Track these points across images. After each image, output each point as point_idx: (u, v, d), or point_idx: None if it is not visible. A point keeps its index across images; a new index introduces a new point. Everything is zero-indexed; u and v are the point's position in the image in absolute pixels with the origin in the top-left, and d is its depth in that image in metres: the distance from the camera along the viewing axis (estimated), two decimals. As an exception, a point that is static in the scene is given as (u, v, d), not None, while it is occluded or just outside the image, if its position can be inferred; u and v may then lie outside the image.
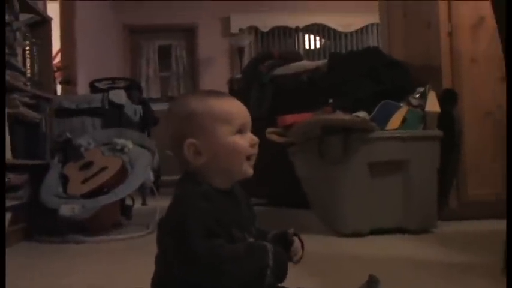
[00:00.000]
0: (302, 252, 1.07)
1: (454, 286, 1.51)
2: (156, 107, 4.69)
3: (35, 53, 3.03)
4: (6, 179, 2.45)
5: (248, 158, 1.03)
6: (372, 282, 1.17)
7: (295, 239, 1.06)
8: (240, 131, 1.02)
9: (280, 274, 0.97)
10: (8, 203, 2.47)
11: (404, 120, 2.45)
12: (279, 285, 1.08)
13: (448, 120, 2.48)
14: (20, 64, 2.82)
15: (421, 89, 2.57)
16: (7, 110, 2.57)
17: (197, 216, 0.93)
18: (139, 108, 3.98)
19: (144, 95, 5.56)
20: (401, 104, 2.51)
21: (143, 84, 6.66)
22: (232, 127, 1.01)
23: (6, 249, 2.28)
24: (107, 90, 3.74)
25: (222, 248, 0.92)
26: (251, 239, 1.03)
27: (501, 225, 1.56)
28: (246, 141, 1.02)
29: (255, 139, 1.03)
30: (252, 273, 0.94)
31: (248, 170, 1.03)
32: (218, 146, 1.00)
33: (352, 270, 1.75)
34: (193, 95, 1.09)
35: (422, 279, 1.59)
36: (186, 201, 0.97)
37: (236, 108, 1.03)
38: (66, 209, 2.54)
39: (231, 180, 1.04)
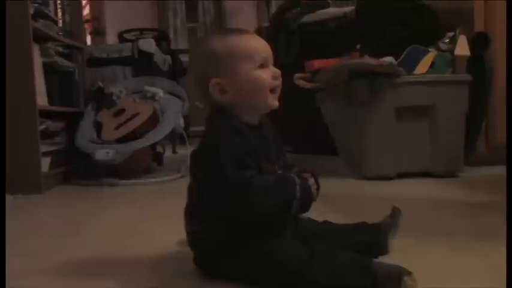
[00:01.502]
0: (318, 192, 1.06)
1: (476, 223, 1.54)
2: (184, 57, 4.72)
3: (65, 3, 3.08)
4: (44, 126, 2.55)
5: (272, 91, 1.06)
6: (395, 213, 1.22)
7: (310, 178, 1.05)
8: (262, 66, 1.05)
9: (305, 206, 1.02)
10: (47, 149, 2.58)
11: (432, 64, 2.43)
12: (307, 217, 1.15)
13: (478, 64, 2.46)
14: (52, 14, 2.87)
15: (451, 33, 2.55)
16: (42, 59, 2.65)
17: (229, 149, 0.98)
18: (168, 58, 4.02)
19: (172, 46, 5.58)
20: (430, 49, 2.49)
21: (171, 36, 6.65)
22: (254, 62, 1.04)
23: (46, 192, 2.42)
24: (135, 40, 3.78)
25: (253, 178, 0.98)
26: (279, 171, 1.09)
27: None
28: (269, 74, 1.05)
29: (277, 71, 1.07)
30: (280, 203, 0.99)
31: (273, 102, 1.07)
32: (242, 82, 1.04)
33: (376, 208, 1.78)
34: (213, 35, 1.13)
35: (445, 217, 1.63)
36: (219, 134, 1.01)
37: (256, 44, 1.06)
38: (101, 154, 2.63)
39: (258, 114, 1.09)
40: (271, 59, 1.07)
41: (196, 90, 1.10)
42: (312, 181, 1.05)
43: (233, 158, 0.98)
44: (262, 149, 1.05)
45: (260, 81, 1.04)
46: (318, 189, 1.06)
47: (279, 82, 1.07)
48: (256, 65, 1.04)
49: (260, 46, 1.06)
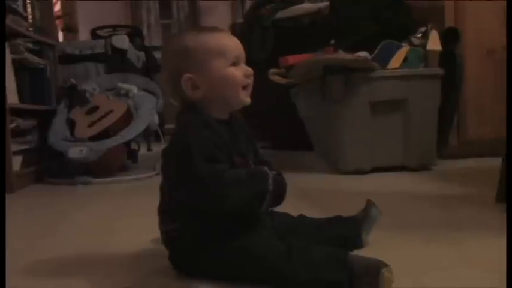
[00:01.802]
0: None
1: (450, 214, 1.56)
2: (158, 54, 4.67)
3: (35, -1, 3.02)
4: (15, 124, 2.50)
5: (244, 88, 1.06)
6: (369, 206, 1.23)
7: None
8: (234, 63, 1.05)
9: (278, 199, 1.02)
10: (18, 147, 2.53)
11: (405, 59, 2.46)
12: (283, 212, 1.14)
13: (449, 58, 2.49)
14: (20, 9, 2.81)
15: (423, 29, 2.57)
16: (11, 56, 2.59)
17: (199, 143, 0.97)
18: (142, 55, 3.98)
19: (146, 43, 5.53)
20: (403, 44, 2.52)
21: (144, 32, 6.59)
22: (226, 59, 1.04)
23: (18, 192, 2.37)
24: (109, 37, 3.73)
25: (224, 172, 0.97)
26: (252, 165, 1.08)
27: (499, 162, 1.62)
28: (241, 72, 1.06)
29: (249, 69, 1.07)
30: (252, 196, 0.99)
31: (245, 98, 1.07)
32: (214, 79, 1.04)
33: (352, 203, 1.79)
34: (187, 32, 1.12)
35: (420, 210, 1.65)
36: (188, 129, 1.01)
37: (229, 41, 1.07)
38: (75, 152, 2.59)
39: (229, 110, 1.09)
40: (243, 57, 1.08)
41: (168, 86, 1.09)
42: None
43: (203, 152, 0.97)
44: (234, 143, 1.05)
45: (232, 78, 1.05)
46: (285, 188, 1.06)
47: (250, 80, 1.07)
48: (228, 62, 1.05)
49: (233, 44, 1.07)
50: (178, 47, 1.06)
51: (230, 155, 1.02)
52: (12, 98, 2.51)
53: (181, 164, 0.98)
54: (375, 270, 0.88)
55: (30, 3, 2.96)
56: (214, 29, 1.09)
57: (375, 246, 1.15)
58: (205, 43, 1.05)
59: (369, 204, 1.22)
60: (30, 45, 2.81)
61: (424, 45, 2.49)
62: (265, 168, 1.02)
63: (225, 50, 1.05)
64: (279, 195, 1.02)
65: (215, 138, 1.00)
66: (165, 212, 1.07)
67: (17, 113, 2.54)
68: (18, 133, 2.57)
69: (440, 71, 2.44)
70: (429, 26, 2.54)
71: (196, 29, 1.13)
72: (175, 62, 1.06)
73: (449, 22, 2.67)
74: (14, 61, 2.60)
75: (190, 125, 1.02)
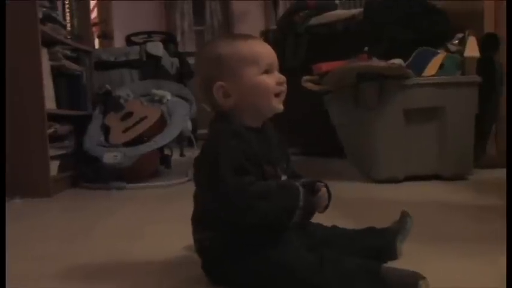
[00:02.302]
0: (328, 203, 1.08)
1: (485, 227, 1.52)
2: (191, 60, 4.72)
3: (74, 7, 3.10)
4: (53, 129, 2.56)
5: (276, 95, 1.06)
6: (404, 217, 1.21)
7: (323, 188, 1.07)
8: (267, 71, 1.05)
9: (307, 216, 1.01)
10: (55, 152, 2.59)
11: (441, 66, 2.42)
12: (316, 222, 1.13)
13: (488, 65, 2.44)
14: (60, 17, 2.88)
15: (460, 35, 2.53)
16: (50, 63, 2.65)
17: (227, 153, 0.97)
18: (175, 61, 4.02)
19: (180, 49, 5.59)
20: (439, 51, 2.48)
21: (178, 38, 6.66)
22: (259, 67, 1.04)
23: (54, 196, 2.42)
24: (143, 44, 3.78)
25: (251, 184, 0.96)
26: (284, 176, 1.08)
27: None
28: (273, 80, 1.05)
29: (282, 77, 1.06)
30: (281, 211, 0.98)
31: (278, 105, 1.07)
32: (246, 87, 1.04)
33: (385, 212, 1.77)
34: (220, 39, 1.12)
35: (454, 221, 1.61)
36: (218, 139, 1.01)
37: (262, 49, 1.06)
38: (109, 157, 2.63)
39: (261, 117, 1.08)
40: (276, 65, 1.07)
41: (201, 93, 1.10)
42: (324, 190, 1.06)
43: (231, 162, 0.97)
44: (264, 152, 1.05)
45: (264, 86, 1.04)
46: (329, 198, 1.07)
47: (283, 87, 1.07)
48: (261, 70, 1.04)
49: (265, 52, 1.06)
50: (211, 55, 1.07)
51: (260, 164, 1.02)
52: (50, 103, 2.57)
53: (210, 174, 0.98)
54: (412, 282, 0.87)
55: (69, 11, 3.03)
56: (247, 37, 1.09)
57: (407, 259, 1.13)
58: (237, 51, 1.05)
59: (404, 215, 1.21)
60: (68, 52, 2.88)
61: (461, 52, 2.44)
62: (297, 183, 1.01)
63: (257, 57, 1.04)
64: (309, 213, 1.01)
65: (244, 148, 0.99)
66: (198, 221, 1.07)
67: (55, 118, 2.60)
68: (56, 138, 2.62)
69: (477, 78, 2.39)
70: (467, 32, 2.49)
71: (229, 37, 1.13)
72: (208, 70, 1.07)
73: (488, 28, 2.62)
74: (52, 68, 2.67)
75: (220, 134, 1.02)
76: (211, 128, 1.06)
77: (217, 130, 1.04)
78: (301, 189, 0.99)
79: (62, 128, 2.70)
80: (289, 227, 1.01)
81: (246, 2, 7.23)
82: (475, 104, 2.39)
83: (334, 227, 1.17)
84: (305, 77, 2.70)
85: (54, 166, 2.56)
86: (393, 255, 1.13)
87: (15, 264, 1.28)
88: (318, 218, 1.10)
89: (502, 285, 0.99)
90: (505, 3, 2.60)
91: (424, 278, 0.87)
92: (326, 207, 1.09)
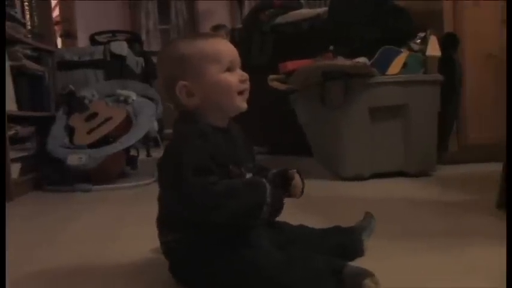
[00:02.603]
0: (303, 187, 1.11)
1: (450, 221, 1.55)
2: (156, 59, 4.67)
3: (34, 5, 3.02)
4: (13, 131, 2.49)
5: (240, 93, 1.05)
6: (368, 218, 1.23)
7: (296, 175, 1.11)
8: (229, 69, 1.04)
9: (275, 212, 0.99)
10: (16, 155, 2.52)
11: (405, 65, 2.45)
12: (284, 221, 1.14)
13: (449, 64, 2.49)
14: (19, 16, 2.81)
15: (422, 34, 2.57)
16: (10, 63, 2.58)
17: (191, 154, 0.96)
18: (140, 60, 3.99)
19: (145, 48, 5.53)
20: (402, 50, 2.51)
21: (143, 38, 6.60)
22: (221, 65, 1.03)
23: (16, 199, 2.36)
24: (107, 43, 3.73)
25: (215, 183, 0.95)
26: (249, 175, 1.07)
27: (499, 167, 1.61)
28: (236, 77, 1.05)
29: (245, 75, 1.06)
30: (248, 209, 0.96)
31: (241, 104, 1.06)
32: (209, 85, 1.03)
33: (353, 210, 1.79)
34: (181, 39, 1.11)
35: (420, 216, 1.64)
36: (182, 139, 1.00)
37: (223, 47, 1.06)
38: (74, 159, 2.59)
39: (226, 116, 1.08)
40: (238, 63, 1.07)
41: (164, 93, 1.08)
42: (297, 177, 1.09)
43: (195, 162, 0.95)
44: (230, 151, 1.04)
45: (227, 84, 1.04)
46: (303, 183, 1.10)
47: (246, 85, 1.06)
48: (223, 68, 1.04)
49: (227, 49, 1.06)
50: (173, 54, 1.06)
51: (225, 164, 1.01)
52: (10, 105, 2.51)
53: (173, 175, 0.97)
54: (359, 280, 0.88)
55: (28, 9, 2.96)
56: (208, 35, 1.09)
57: (375, 255, 1.14)
58: (199, 49, 1.04)
59: (368, 216, 1.23)
60: (29, 52, 2.81)
61: (423, 51, 2.48)
62: (263, 180, 1.00)
63: (219, 55, 1.04)
64: (277, 209, 0.99)
65: (209, 148, 0.98)
66: (163, 223, 1.06)
67: (16, 120, 2.54)
68: (17, 140, 2.56)
69: (439, 77, 2.43)
70: (428, 32, 2.54)
71: (190, 36, 1.12)
72: (170, 69, 1.05)
73: (448, 27, 2.67)
74: (12, 68, 2.60)
75: (184, 134, 1.01)
76: (176, 128, 1.05)
77: (181, 130, 1.03)
78: (267, 185, 0.98)
79: (24, 130, 2.64)
80: (257, 224, 1.01)
81: (211, 1, 7.21)
82: (438, 102, 2.43)
83: (302, 226, 1.17)
84: (271, 76, 2.70)
85: (15, 169, 2.50)
86: (359, 252, 1.15)
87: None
88: (284, 215, 1.10)
89: (467, 276, 1.01)
90: (463, 3, 2.67)
91: (372, 275, 0.89)
92: (302, 192, 1.11)
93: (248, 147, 1.13)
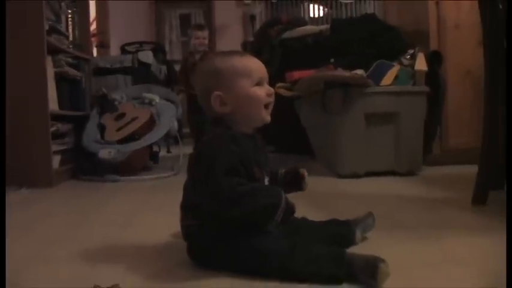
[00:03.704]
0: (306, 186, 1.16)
1: (433, 215, 1.56)
2: (178, 67, 4.68)
3: (75, 20, 3.05)
4: (55, 128, 2.52)
5: (266, 107, 1.06)
6: (367, 215, 1.23)
7: (305, 172, 1.15)
8: (258, 83, 1.05)
9: (286, 216, 0.99)
10: (57, 148, 2.55)
11: (396, 77, 2.45)
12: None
13: (434, 77, 2.48)
14: (63, 29, 2.84)
15: (411, 51, 2.57)
16: (54, 70, 2.61)
17: (224, 156, 0.97)
18: (164, 68, 4.00)
19: (168, 57, 5.54)
20: (394, 64, 2.51)
21: (167, 48, 6.61)
22: (251, 80, 1.04)
23: (56, 186, 2.39)
24: (135, 52, 3.75)
25: (241, 185, 0.96)
26: (267, 177, 1.09)
27: (475, 169, 1.63)
28: (264, 91, 1.05)
29: (271, 90, 1.07)
30: (265, 210, 0.97)
31: (266, 116, 1.06)
32: (240, 96, 1.03)
33: (349, 203, 1.81)
34: (217, 54, 1.11)
35: (407, 210, 1.64)
36: (218, 141, 1.00)
37: (255, 64, 1.06)
38: (104, 153, 2.61)
39: (252, 126, 1.08)
40: (266, 78, 1.07)
41: (200, 101, 1.09)
42: (306, 174, 1.13)
43: (226, 164, 0.96)
44: (255, 156, 1.05)
45: (256, 97, 1.04)
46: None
47: (272, 99, 1.07)
48: (253, 82, 1.04)
49: (257, 66, 1.06)
50: (209, 68, 1.06)
51: (251, 166, 1.02)
52: (53, 105, 2.53)
53: (205, 173, 0.97)
54: (373, 264, 0.88)
55: (71, 23, 2.99)
56: (241, 53, 1.10)
57: (368, 245, 1.15)
58: (232, 64, 1.04)
59: (368, 213, 1.23)
60: (70, 60, 2.84)
61: (412, 66, 2.48)
62: (280, 189, 1.01)
63: (250, 71, 1.04)
64: (288, 212, 0.99)
65: (239, 152, 0.99)
66: (187, 209, 1.06)
67: (57, 118, 2.56)
68: (58, 135, 2.58)
69: (426, 89, 2.43)
70: (417, 49, 2.53)
71: (225, 53, 1.13)
72: (206, 81, 1.06)
73: (433, 46, 2.67)
74: (55, 73, 2.63)
75: (220, 137, 1.01)
76: (211, 131, 1.05)
77: (218, 133, 1.03)
78: (283, 193, 0.99)
79: (63, 127, 2.66)
80: (271, 225, 1.00)
81: (227, 16, 7.22)
82: (424, 110, 2.43)
83: (304, 218, 1.18)
84: (279, 84, 2.71)
85: (56, 160, 2.52)
86: (353, 241, 1.15)
87: (24, 247, 1.27)
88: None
89: (447, 263, 1.02)
90: (446, 25, 2.66)
91: (383, 260, 0.89)
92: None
93: (266, 154, 1.13)
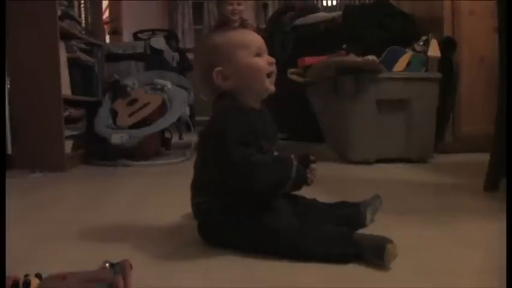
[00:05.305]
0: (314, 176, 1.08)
1: (444, 201, 1.55)
2: (190, 55, 4.68)
3: (88, 6, 3.06)
4: (68, 113, 2.53)
5: (268, 76, 1.05)
6: (374, 198, 1.22)
7: (314, 161, 1.09)
8: (258, 54, 1.04)
9: (298, 186, 1.02)
10: (69, 133, 2.56)
11: (409, 63, 2.43)
12: (300, 195, 1.14)
13: (447, 64, 2.46)
14: (76, 15, 2.85)
15: (425, 37, 2.54)
16: (67, 55, 2.62)
17: (234, 126, 0.97)
18: (176, 55, 3.98)
19: (180, 45, 5.53)
20: (407, 50, 2.48)
21: (179, 36, 6.60)
22: (250, 51, 1.04)
23: (68, 171, 2.41)
24: (148, 39, 3.74)
25: (253, 155, 0.97)
26: (275, 152, 1.08)
27: (488, 157, 1.62)
28: (264, 61, 1.05)
29: (272, 58, 1.06)
30: (277, 180, 0.98)
31: (270, 86, 1.06)
32: (241, 68, 1.03)
33: (360, 189, 1.80)
34: (213, 32, 1.12)
35: (418, 195, 1.64)
36: (226, 113, 1.00)
37: (252, 36, 1.07)
38: (116, 138, 2.62)
39: (258, 98, 1.07)
40: (265, 49, 1.07)
41: (201, 83, 1.09)
42: (314, 165, 1.05)
43: (237, 134, 0.96)
44: (263, 129, 1.04)
45: (257, 66, 1.04)
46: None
47: (273, 68, 1.06)
48: (252, 53, 1.04)
49: (255, 38, 1.06)
50: (207, 45, 1.07)
51: (259, 139, 1.01)
52: (66, 90, 2.54)
53: (216, 145, 0.97)
54: (381, 244, 0.88)
55: (84, 10, 3.00)
56: (236, 27, 1.10)
57: (379, 227, 1.14)
58: (229, 38, 1.05)
59: (376, 196, 1.23)
60: (82, 46, 2.85)
61: (425, 52, 2.45)
62: (292, 156, 1.01)
63: (248, 42, 1.04)
64: (300, 183, 1.01)
65: (248, 124, 0.99)
66: (197, 187, 1.07)
67: (69, 103, 2.58)
68: (70, 121, 2.60)
69: (439, 75, 2.40)
70: (430, 35, 2.50)
71: (221, 29, 1.13)
72: (207, 58, 1.06)
73: (447, 32, 2.63)
74: (68, 59, 2.64)
75: (227, 109, 1.01)
76: (217, 105, 1.05)
77: (224, 106, 1.03)
78: (294, 162, 0.99)
79: (76, 112, 2.68)
80: (281, 193, 1.01)
81: (239, 4, 7.16)
82: (436, 97, 2.40)
83: (314, 200, 1.18)
84: (291, 70, 2.69)
85: (68, 145, 2.54)
86: (362, 223, 1.15)
87: (37, 227, 1.28)
88: (302, 192, 1.10)
89: (455, 246, 1.01)
90: (461, 10, 2.61)
91: (391, 241, 0.89)
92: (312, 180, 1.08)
93: (275, 129, 1.13)
